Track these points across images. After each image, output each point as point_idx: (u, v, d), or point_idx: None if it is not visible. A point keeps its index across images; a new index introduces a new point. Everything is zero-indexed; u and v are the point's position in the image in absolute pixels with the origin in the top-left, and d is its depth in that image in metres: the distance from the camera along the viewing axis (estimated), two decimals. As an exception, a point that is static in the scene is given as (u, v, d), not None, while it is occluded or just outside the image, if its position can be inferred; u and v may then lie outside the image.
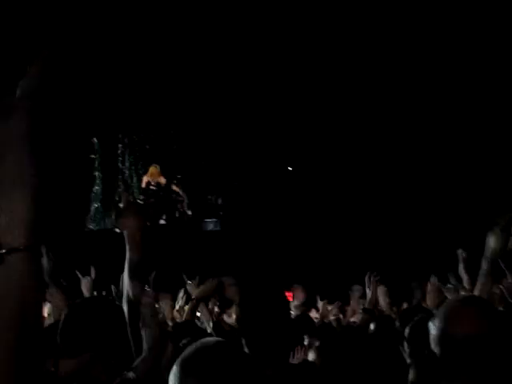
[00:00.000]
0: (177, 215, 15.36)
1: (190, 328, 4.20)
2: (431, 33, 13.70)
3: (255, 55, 14.50)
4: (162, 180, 15.22)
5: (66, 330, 2.40)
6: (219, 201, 16.05)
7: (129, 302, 2.62)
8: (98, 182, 16.09)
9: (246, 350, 2.69)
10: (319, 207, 15.19)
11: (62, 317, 2.48)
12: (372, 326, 4.50)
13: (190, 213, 15.52)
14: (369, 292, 5.38)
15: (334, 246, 14.21)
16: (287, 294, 8.40)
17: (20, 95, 1.33)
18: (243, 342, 2.71)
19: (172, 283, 7.19)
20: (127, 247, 2.67)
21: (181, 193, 15.37)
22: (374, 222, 14.49)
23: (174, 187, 15.35)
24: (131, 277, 2.62)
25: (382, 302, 6.05)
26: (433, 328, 2.05)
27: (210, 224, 15.42)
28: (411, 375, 3.17)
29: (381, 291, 5.86)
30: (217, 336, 4.36)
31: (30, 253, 1.23)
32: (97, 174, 16.09)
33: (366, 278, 5.42)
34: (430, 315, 2.70)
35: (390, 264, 13.05)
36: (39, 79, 1.34)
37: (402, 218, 14.49)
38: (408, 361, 3.29)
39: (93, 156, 16.03)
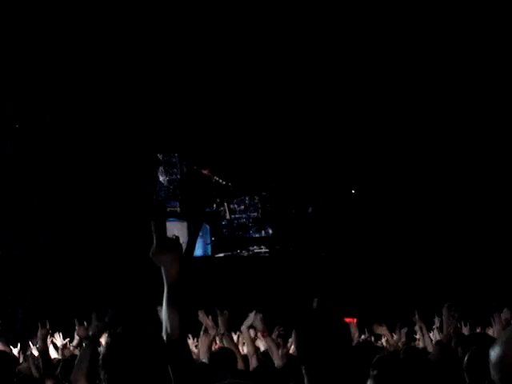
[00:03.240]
0: None
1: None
2: (431, 33, 13.53)
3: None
4: None
5: (108, 360, 2.58)
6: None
7: (167, 335, 2.65)
8: None
9: (306, 378, 2.67)
10: (387, 233, 15.18)
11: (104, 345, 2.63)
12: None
13: None
14: (445, 324, 5.12)
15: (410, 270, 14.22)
16: (347, 320, 8.29)
17: None
18: (303, 370, 2.70)
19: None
20: (164, 282, 2.71)
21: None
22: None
23: None
24: (169, 311, 2.66)
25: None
26: (493, 355, 2.01)
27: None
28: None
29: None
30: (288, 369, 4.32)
31: None
32: None
33: (444, 310, 5.17)
34: (490, 342, 2.60)
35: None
36: None
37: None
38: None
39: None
